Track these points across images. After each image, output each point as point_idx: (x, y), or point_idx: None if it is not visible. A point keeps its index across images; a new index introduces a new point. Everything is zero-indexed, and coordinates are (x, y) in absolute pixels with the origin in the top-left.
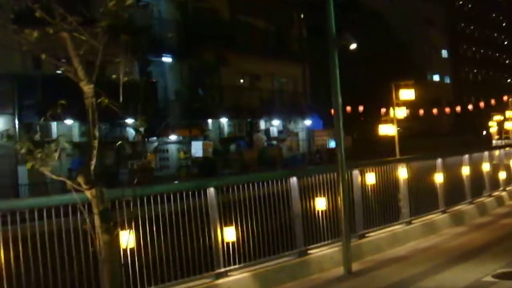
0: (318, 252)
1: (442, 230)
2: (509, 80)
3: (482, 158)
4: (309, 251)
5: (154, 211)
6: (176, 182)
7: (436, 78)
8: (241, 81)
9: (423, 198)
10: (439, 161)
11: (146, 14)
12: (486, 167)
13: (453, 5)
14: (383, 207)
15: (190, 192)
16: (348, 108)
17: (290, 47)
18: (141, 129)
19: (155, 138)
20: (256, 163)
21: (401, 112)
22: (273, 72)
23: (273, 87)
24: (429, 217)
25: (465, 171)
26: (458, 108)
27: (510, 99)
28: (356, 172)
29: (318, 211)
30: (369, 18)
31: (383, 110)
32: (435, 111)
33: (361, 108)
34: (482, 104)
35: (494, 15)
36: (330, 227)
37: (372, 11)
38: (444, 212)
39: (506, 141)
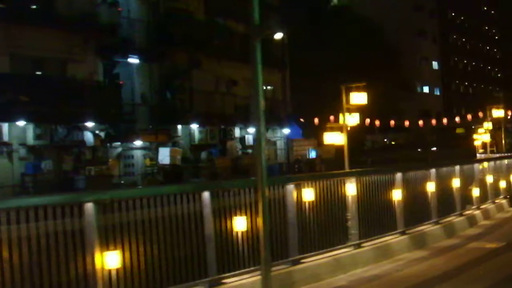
0: (235, 281)
1: (398, 254)
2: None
3: (453, 173)
4: (224, 280)
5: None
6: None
7: (426, 89)
8: (217, 86)
9: (377, 218)
10: (398, 175)
11: (113, 13)
12: (456, 183)
13: (446, 17)
14: (326, 228)
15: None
16: (332, 118)
17: (271, 53)
18: (101, 134)
19: (119, 143)
20: (229, 172)
21: (352, 119)
22: (251, 78)
23: (251, 94)
24: (383, 239)
25: (431, 187)
26: (444, 120)
27: (489, 111)
28: (290, 187)
29: (237, 233)
30: (358, 26)
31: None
32: (421, 122)
33: None
34: (469, 116)
35: (486, 27)
36: (252, 252)
37: (362, 19)
38: (403, 233)
39: (490, 154)
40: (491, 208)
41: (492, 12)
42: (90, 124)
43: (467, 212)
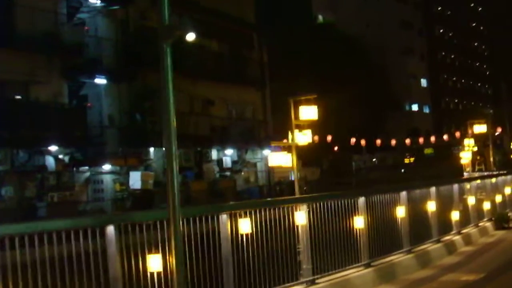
0: None
1: None
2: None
3: (428, 195)
4: None
5: None
6: None
7: (414, 107)
8: (191, 106)
9: (336, 249)
10: (361, 200)
11: (79, 32)
12: (431, 206)
13: (433, 34)
14: (270, 264)
15: None
16: (316, 138)
17: (249, 72)
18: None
19: (86, 167)
20: (205, 195)
21: (304, 137)
22: (228, 97)
23: (229, 114)
24: (343, 273)
25: (401, 212)
26: (432, 139)
27: (470, 127)
28: (223, 218)
29: (152, 274)
30: (343, 45)
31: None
32: (407, 141)
33: (329, 138)
34: (458, 134)
35: (476, 44)
36: None
37: (347, 37)
38: (367, 265)
39: (472, 174)
40: (473, 233)
41: (481, 28)
42: (54, 148)
43: (446, 238)
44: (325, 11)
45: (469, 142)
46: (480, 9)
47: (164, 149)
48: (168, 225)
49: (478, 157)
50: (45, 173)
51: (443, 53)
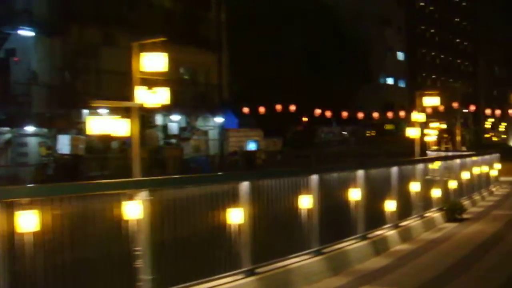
0: None
1: None
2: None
3: (350, 181)
4: None
5: None
6: None
7: (390, 81)
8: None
9: (190, 253)
10: (245, 185)
11: None
12: (355, 194)
13: (413, 6)
14: (85, 275)
15: None
16: (279, 107)
17: (205, 32)
18: None
19: (8, 128)
20: (146, 164)
21: (154, 96)
22: (179, 59)
23: (179, 76)
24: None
25: (305, 202)
26: (402, 114)
27: (419, 99)
28: None
29: None
30: (317, 11)
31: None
32: (375, 115)
33: (293, 108)
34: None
35: (457, 19)
36: None
37: (321, 3)
38: (251, 273)
39: (441, 153)
40: (415, 226)
41: (464, 4)
42: None
43: (376, 233)
44: None
45: (417, 117)
46: None
47: (100, 111)
48: None
49: (445, 135)
50: None
51: (423, 27)
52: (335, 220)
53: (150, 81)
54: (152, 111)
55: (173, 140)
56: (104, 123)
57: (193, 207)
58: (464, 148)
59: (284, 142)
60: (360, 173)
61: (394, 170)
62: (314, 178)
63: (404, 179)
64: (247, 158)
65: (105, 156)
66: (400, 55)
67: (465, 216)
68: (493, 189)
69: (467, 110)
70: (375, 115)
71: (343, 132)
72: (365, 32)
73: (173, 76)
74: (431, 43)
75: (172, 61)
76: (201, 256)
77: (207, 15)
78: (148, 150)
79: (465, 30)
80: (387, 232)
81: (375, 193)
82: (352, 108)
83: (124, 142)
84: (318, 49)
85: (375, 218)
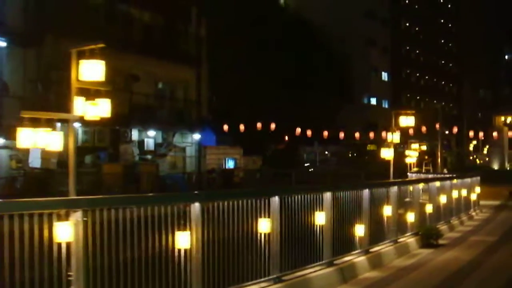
0: None
1: None
2: (454, 111)
3: (316, 204)
4: None
5: None
6: None
7: (373, 101)
8: (113, 80)
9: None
10: (196, 206)
11: None
12: (320, 218)
13: (399, 27)
14: None
15: None
16: (259, 125)
17: (184, 47)
18: None
19: None
20: (119, 180)
21: (95, 109)
22: (157, 74)
23: (156, 92)
24: None
25: (264, 227)
26: (383, 134)
27: (395, 119)
28: None
29: None
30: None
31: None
32: (356, 135)
33: (273, 126)
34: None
35: (442, 41)
36: None
37: (305, 21)
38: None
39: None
40: (387, 252)
41: (450, 25)
42: None
43: (344, 259)
44: None
45: (392, 137)
46: (449, 6)
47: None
48: None
49: (426, 157)
50: None
51: (408, 48)
52: (298, 245)
53: (90, 92)
54: (126, 126)
55: (149, 156)
56: (35, 136)
57: (137, 230)
58: (445, 171)
59: (264, 160)
60: (327, 195)
61: (366, 192)
62: (275, 200)
63: (377, 202)
64: (225, 176)
65: (78, 170)
66: (385, 75)
67: (441, 241)
68: (473, 214)
69: (447, 132)
70: (357, 135)
71: (326, 152)
72: (350, 52)
73: (150, 90)
74: (416, 64)
75: (150, 76)
76: (142, 283)
77: (187, 30)
78: (123, 165)
79: (450, 52)
80: (356, 258)
81: (344, 216)
82: (334, 127)
83: (98, 157)
84: (301, 67)
85: (344, 243)
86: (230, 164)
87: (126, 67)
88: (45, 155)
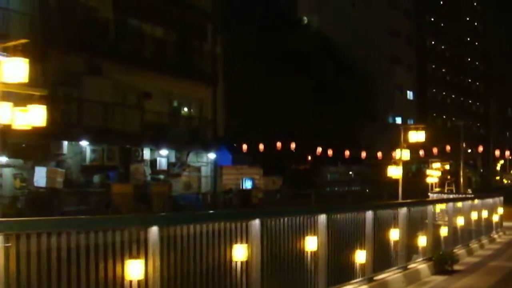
0: None
1: None
2: (481, 131)
3: (310, 229)
4: None
5: None
6: None
7: (398, 120)
8: (124, 98)
9: None
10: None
11: None
12: (311, 243)
13: (424, 45)
14: None
15: None
16: (279, 144)
17: (199, 65)
18: None
19: None
20: (129, 200)
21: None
22: (172, 92)
23: (171, 110)
24: None
25: (239, 254)
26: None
27: (404, 134)
28: None
29: None
30: (327, 47)
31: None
32: (379, 154)
33: (293, 145)
34: (435, 150)
35: (469, 59)
36: None
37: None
38: None
39: (444, 195)
40: (394, 279)
41: (476, 43)
42: None
43: None
44: (311, 12)
45: (402, 154)
46: (476, 23)
47: (81, 143)
48: None
49: (449, 177)
50: None
51: (434, 66)
52: (285, 275)
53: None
54: (138, 145)
55: (161, 176)
56: None
57: (75, 258)
58: (469, 191)
59: (284, 181)
60: (322, 217)
61: (369, 214)
62: (255, 223)
63: (383, 225)
64: (242, 197)
65: (85, 190)
66: (410, 94)
67: (457, 267)
68: (495, 236)
69: (472, 151)
70: (379, 154)
71: (350, 172)
72: (374, 70)
73: (164, 108)
74: (442, 83)
75: (164, 94)
76: None
77: (202, 47)
78: (134, 185)
79: (477, 70)
80: (358, 287)
81: (343, 241)
82: (357, 147)
83: (108, 176)
84: (323, 86)
85: (342, 270)
86: (247, 184)
87: (138, 84)
88: (51, 173)
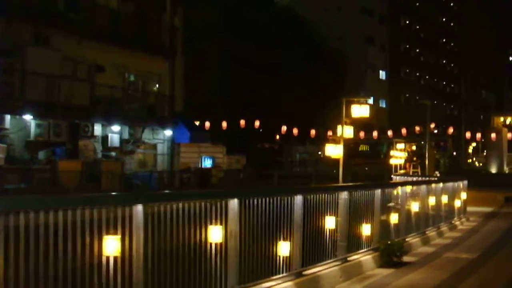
0: None
1: None
2: (455, 113)
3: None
4: None
5: None
6: None
7: (370, 101)
8: (74, 70)
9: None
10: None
11: None
12: (215, 235)
13: (398, 24)
14: None
15: None
16: (242, 122)
17: (156, 37)
18: None
19: None
20: (77, 178)
21: None
22: (126, 65)
23: (124, 84)
24: None
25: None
26: (375, 134)
27: (347, 108)
28: None
29: None
30: (298, 24)
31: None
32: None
33: (257, 124)
34: (404, 131)
35: (444, 40)
36: None
37: (298, 17)
38: None
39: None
40: (328, 274)
41: (452, 24)
42: None
43: (264, 285)
44: None
45: (342, 131)
46: (451, 4)
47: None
48: None
49: (415, 158)
50: None
51: (407, 46)
52: (175, 275)
53: None
54: (88, 119)
55: (113, 153)
56: None
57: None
58: (436, 173)
59: (248, 160)
60: (234, 202)
61: (298, 200)
62: (138, 209)
63: (317, 212)
64: (201, 176)
65: (29, 167)
66: (382, 74)
67: (407, 259)
68: (457, 223)
69: (437, 131)
70: None
71: (319, 152)
72: (347, 49)
73: (118, 82)
74: (415, 63)
75: (118, 67)
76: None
77: (161, 19)
78: (82, 162)
79: (452, 51)
80: (281, 284)
81: (263, 230)
82: (325, 126)
83: (54, 152)
84: (293, 64)
85: (262, 265)
86: (207, 163)
87: (90, 57)
88: None
